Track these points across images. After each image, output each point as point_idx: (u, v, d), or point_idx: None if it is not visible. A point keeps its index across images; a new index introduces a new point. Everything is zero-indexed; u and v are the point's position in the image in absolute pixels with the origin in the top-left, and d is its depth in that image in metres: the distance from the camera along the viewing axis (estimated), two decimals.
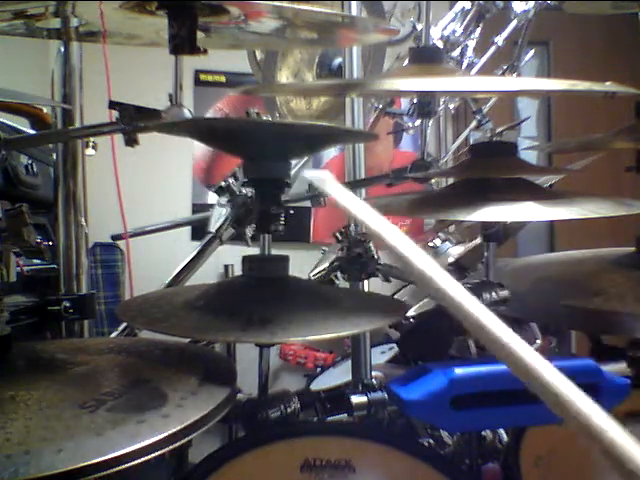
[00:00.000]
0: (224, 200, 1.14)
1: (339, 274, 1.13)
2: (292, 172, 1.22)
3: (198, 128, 0.88)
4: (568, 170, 1.27)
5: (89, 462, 0.52)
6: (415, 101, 1.13)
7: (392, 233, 0.35)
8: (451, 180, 0.97)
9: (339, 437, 0.83)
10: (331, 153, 2.67)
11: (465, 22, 1.62)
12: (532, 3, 1.65)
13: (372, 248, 1.08)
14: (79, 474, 0.52)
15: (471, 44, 1.66)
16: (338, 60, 1.59)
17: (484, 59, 1.69)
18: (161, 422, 0.59)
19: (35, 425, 0.57)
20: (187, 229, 2.41)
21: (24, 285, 1.10)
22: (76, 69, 1.12)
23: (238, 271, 0.85)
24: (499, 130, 1.77)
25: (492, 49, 1.72)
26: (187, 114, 0.86)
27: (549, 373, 0.29)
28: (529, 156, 2.47)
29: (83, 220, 1.13)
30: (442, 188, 0.99)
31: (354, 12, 1.32)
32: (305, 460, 0.79)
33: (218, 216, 1.13)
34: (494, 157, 0.86)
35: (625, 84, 0.77)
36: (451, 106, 1.91)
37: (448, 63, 1.55)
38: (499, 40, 1.70)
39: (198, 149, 2.67)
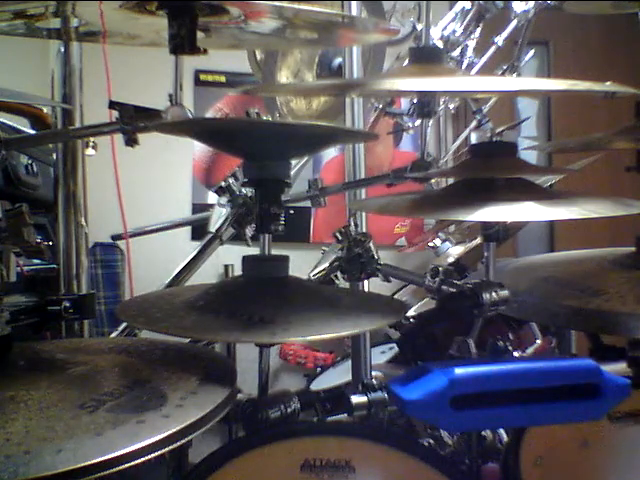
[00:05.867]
0: (224, 200, 1.13)
1: (339, 274, 1.13)
2: (292, 172, 1.22)
3: (198, 128, 0.88)
4: (568, 170, 1.26)
5: (89, 462, 0.52)
6: (415, 101, 1.13)
7: None
8: (451, 180, 0.97)
9: (339, 437, 0.83)
10: (331, 153, 2.67)
11: (465, 22, 1.62)
12: (532, 3, 1.65)
13: (372, 248, 1.08)
14: (79, 474, 0.52)
15: (471, 44, 1.66)
16: (338, 60, 1.59)
17: (484, 59, 1.69)
18: (161, 422, 0.59)
19: (35, 425, 0.57)
20: (187, 229, 2.41)
21: (24, 285, 1.10)
22: (76, 69, 1.11)
23: (238, 271, 0.85)
24: (499, 130, 1.77)
25: (492, 49, 1.72)
26: (187, 114, 0.86)
27: None
28: (529, 156, 2.47)
29: (83, 220, 1.13)
30: (442, 188, 0.99)
31: (354, 12, 1.32)
32: (305, 460, 0.79)
33: (218, 216, 1.13)
34: (494, 157, 0.86)
35: (625, 84, 0.77)
36: (451, 106, 1.91)
37: (448, 63, 1.55)
38: (499, 40, 1.71)
39: (198, 149, 2.67)
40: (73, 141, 1.11)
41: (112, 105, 0.87)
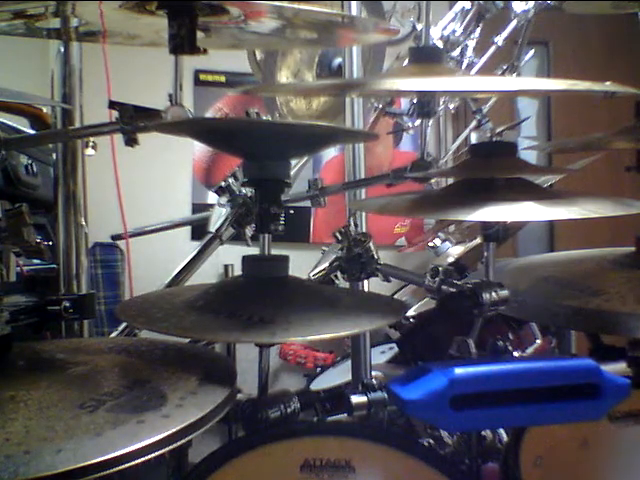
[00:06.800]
0: (224, 200, 1.13)
1: (339, 274, 1.13)
2: (292, 172, 1.22)
3: (198, 128, 0.88)
4: (568, 170, 1.27)
5: (89, 462, 0.52)
6: (415, 101, 1.13)
7: None
8: (451, 180, 0.97)
9: (339, 437, 0.83)
10: (331, 153, 2.67)
11: (465, 22, 1.62)
12: (532, 3, 1.65)
13: (372, 248, 1.08)
14: (79, 474, 0.52)
15: (471, 44, 1.66)
16: (338, 60, 1.59)
17: (484, 59, 1.69)
18: (161, 422, 0.59)
19: (35, 425, 0.57)
20: (187, 229, 2.41)
21: (24, 285, 1.10)
22: (76, 69, 1.11)
23: (238, 271, 0.85)
24: (499, 130, 1.77)
25: (492, 49, 1.72)
26: (187, 114, 0.86)
27: None
28: (529, 156, 2.47)
29: (83, 220, 1.13)
30: (442, 188, 0.99)
31: (354, 12, 1.32)
32: (305, 460, 0.79)
33: (218, 216, 1.13)
34: (494, 157, 0.86)
35: (625, 84, 0.77)
36: (451, 106, 1.91)
37: (448, 63, 1.55)
38: (499, 40, 1.70)
39: (198, 149, 2.67)
40: (73, 141, 1.11)
41: (112, 105, 0.87)
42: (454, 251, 1.86)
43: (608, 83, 0.75)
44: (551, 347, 1.51)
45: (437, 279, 0.98)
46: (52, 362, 0.73)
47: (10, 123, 1.25)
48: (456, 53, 1.64)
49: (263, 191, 0.82)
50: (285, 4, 0.76)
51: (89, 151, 1.18)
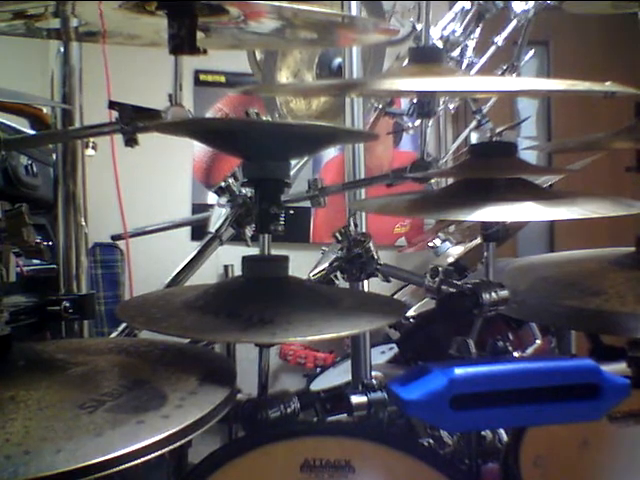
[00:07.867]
0: (224, 200, 1.14)
1: (339, 274, 1.13)
2: (292, 172, 1.22)
3: (198, 128, 0.88)
4: (568, 170, 1.27)
5: (89, 462, 0.52)
6: (415, 101, 1.13)
7: None
8: (451, 180, 0.97)
9: (339, 437, 0.83)
10: (331, 153, 2.67)
11: (465, 22, 1.62)
12: (532, 3, 1.65)
13: (372, 248, 1.08)
14: (79, 474, 0.52)
15: (471, 44, 1.66)
16: (338, 60, 1.59)
17: (484, 59, 1.70)
18: (161, 422, 0.59)
19: (35, 425, 0.57)
20: (187, 229, 2.41)
21: (24, 285, 1.10)
22: (76, 69, 1.12)
23: (238, 271, 0.85)
24: (499, 130, 1.77)
25: (492, 49, 1.72)
26: (187, 114, 0.86)
27: None
28: (529, 156, 2.47)
29: (83, 220, 1.13)
30: (442, 188, 0.99)
31: (354, 12, 1.32)
32: (305, 460, 0.79)
33: (218, 216, 1.13)
34: (494, 157, 0.86)
35: (625, 84, 0.77)
36: (451, 106, 1.91)
37: (448, 63, 1.55)
38: (499, 40, 1.71)
39: (198, 149, 2.67)
40: (73, 141, 1.11)
41: (112, 105, 0.87)
42: (454, 251, 1.86)
43: (608, 83, 0.75)
44: (551, 347, 1.51)
45: (437, 279, 0.98)
46: (52, 362, 0.73)
47: (10, 123, 1.25)
48: (456, 53, 1.65)
49: (263, 191, 0.82)
50: (285, 4, 0.76)
51: (89, 151, 1.18)
